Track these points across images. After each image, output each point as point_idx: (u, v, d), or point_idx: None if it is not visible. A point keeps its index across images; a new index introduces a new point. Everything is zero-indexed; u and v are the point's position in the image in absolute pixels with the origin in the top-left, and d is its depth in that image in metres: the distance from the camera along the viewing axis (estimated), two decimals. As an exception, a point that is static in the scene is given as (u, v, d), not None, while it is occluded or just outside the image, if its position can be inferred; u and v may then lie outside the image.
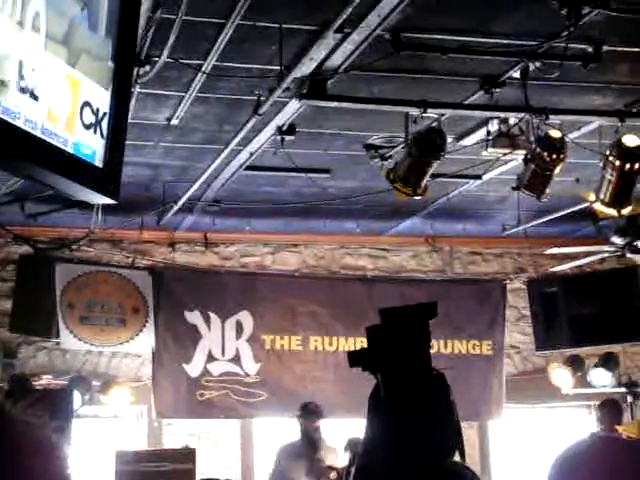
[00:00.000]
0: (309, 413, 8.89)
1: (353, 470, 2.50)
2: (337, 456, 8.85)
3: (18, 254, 9.52)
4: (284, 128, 6.63)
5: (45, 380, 9.48)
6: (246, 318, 9.95)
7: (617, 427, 8.47)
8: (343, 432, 9.33)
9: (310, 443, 8.73)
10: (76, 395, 8.87)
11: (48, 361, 9.80)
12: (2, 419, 0.73)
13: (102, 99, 2.37)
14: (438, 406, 2.58)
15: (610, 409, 8.91)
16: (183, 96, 6.32)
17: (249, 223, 9.83)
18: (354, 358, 2.76)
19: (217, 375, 9.79)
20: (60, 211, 8.59)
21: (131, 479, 8.53)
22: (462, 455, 2.61)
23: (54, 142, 2.15)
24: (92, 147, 2.30)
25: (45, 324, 9.14)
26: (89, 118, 2.30)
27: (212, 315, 9.87)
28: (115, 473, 8.49)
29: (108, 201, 2.38)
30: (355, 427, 9.63)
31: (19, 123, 2.01)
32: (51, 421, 0.79)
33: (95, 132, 2.31)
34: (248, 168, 7.81)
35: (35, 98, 2.06)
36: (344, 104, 6.16)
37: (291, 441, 8.98)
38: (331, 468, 8.54)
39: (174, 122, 6.79)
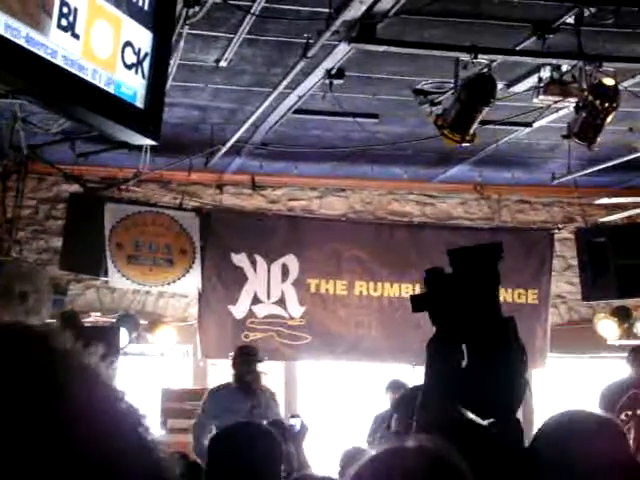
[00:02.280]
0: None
1: (415, 423, 2.39)
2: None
3: (68, 193, 9.62)
4: (333, 72, 6.58)
5: (94, 317, 9.65)
6: (292, 261, 10.00)
7: None
8: (386, 376, 9.40)
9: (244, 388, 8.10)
10: (123, 333, 9.02)
11: (97, 299, 9.95)
12: (54, 354, 0.75)
13: (144, 39, 2.37)
14: (510, 350, 2.49)
15: None
16: (232, 38, 6.29)
17: (296, 167, 9.83)
18: (418, 303, 2.64)
19: (262, 317, 9.88)
20: (110, 151, 8.65)
21: (176, 416, 8.68)
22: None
23: (94, 81, 2.16)
24: (133, 87, 2.30)
25: (94, 262, 9.26)
26: (130, 58, 2.30)
27: (258, 258, 9.92)
28: (160, 410, 8.63)
29: (148, 142, 2.39)
30: (397, 370, 9.70)
31: (58, 61, 2.02)
32: (101, 356, 0.80)
33: (137, 72, 2.31)
34: (296, 112, 7.78)
35: (76, 37, 2.07)
36: (393, 48, 6.10)
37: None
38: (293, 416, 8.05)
39: (223, 64, 6.78)
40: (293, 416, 7.22)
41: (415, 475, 1.65)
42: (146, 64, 2.39)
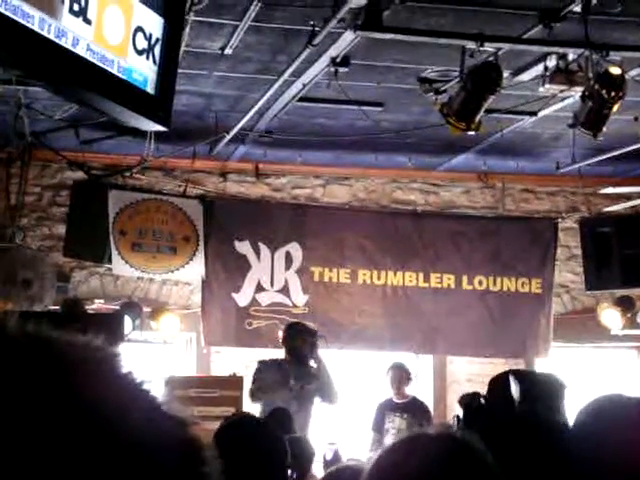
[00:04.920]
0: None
1: None
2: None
3: (72, 180, 9.62)
4: (338, 60, 6.56)
5: (97, 304, 9.65)
6: (295, 249, 9.99)
7: None
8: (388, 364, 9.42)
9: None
10: (127, 320, 9.02)
11: (100, 286, 9.95)
12: (45, 342, 0.74)
13: (155, 25, 2.36)
14: None
15: None
16: (237, 25, 6.27)
17: (301, 155, 9.82)
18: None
19: (265, 305, 9.88)
20: (114, 138, 8.64)
21: (180, 404, 8.68)
22: None
23: (105, 66, 2.15)
24: (144, 73, 2.29)
25: (97, 250, 9.27)
26: (142, 44, 2.29)
27: (262, 246, 9.92)
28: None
29: (159, 128, 2.38)
30: (400, 359, 9.70)
31: (70, 46, 2.01)
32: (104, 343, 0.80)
33: (147, 58, 2.30)
34: (301, 99, 7.77)
35: (88, 22, 2.06)
36: (399, 36, 6.08)
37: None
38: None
39: (228, 51, 6.76)
40: (331, 443, 7.07)
41: (435, 460, 1.65)
42: (157, 50, 2.39)
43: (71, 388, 0.70)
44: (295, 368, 7.81)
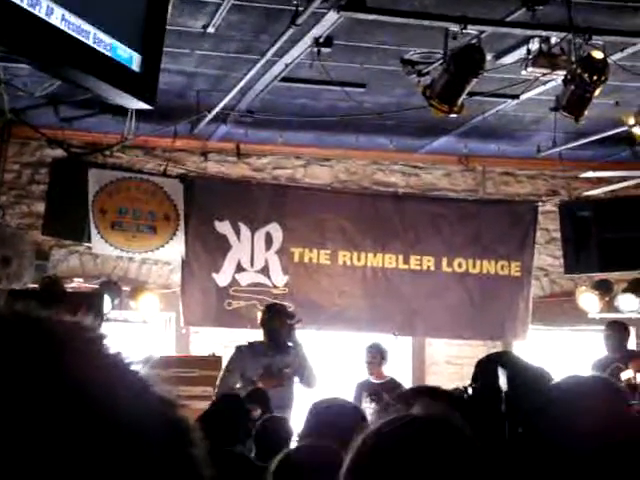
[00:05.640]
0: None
1: None
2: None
3: (52, 157, 9.55)
4: (321, 40, 6.54)
5: (76, 283, 9.61)
6: (276, 230, 9.98)
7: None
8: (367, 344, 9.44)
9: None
10: (106, 299, 9.00)
11: (79, 265, 9.91)
12: (35, 321, 0.74)
13: (140, 1, 2.34)
14: None
15: (616, 331, 9.04)
16: (220, 3, 6.24)
17: (282, 135, 9.79)
18: None
19: (245, 285, 9.87)
20: (94, 116, 8.58)
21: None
22: None
23: (91, 43, 2.13)
24: (129, 50, 2.28)
25: (77, 228, 9.22)
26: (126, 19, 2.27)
27: (242, 226, 9.90)
28: (143, 377, 8.59)
29: (144, 106, 2.36)
30: (378, 340, 9.73)
31: (56, 22, 1.99)
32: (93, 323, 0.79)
33: (132, 35, 2.28)
34: (283, 80, 7.74)
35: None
36: (383, 17, 6.07)
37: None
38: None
39: (210, 30, 6.72)
40: None
41: (423, 443, 1.65)
42: (142, 27, 2.37)
43: (60, 367, 0.70)
44: (273, 350, 7.84)
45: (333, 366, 10.08)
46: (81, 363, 0.71)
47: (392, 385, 9.09)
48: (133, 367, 0.75)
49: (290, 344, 7.96)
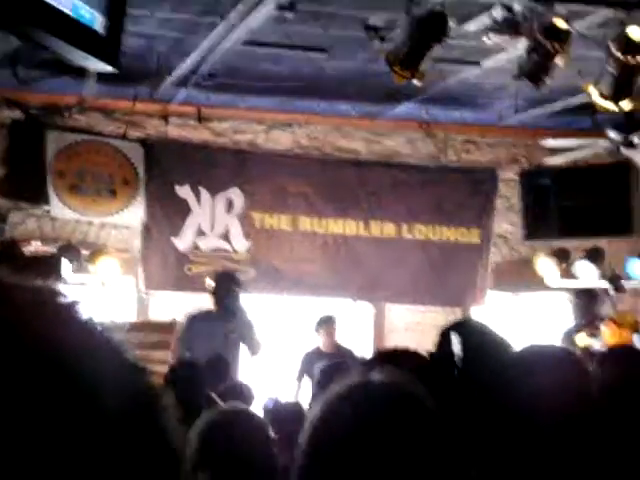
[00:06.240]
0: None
1: None
2: None
3: (10, 119, 9.41)
4: (284, 4, 6.49)
5: (34, 246, 9.51)
6: (237, 195, 9.95)
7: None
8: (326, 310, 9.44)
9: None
10: (64, 262, 8.92)
11: (37, 228, 9.80)
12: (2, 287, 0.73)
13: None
14: None
15: (581, 299, 9.19)
16: (182, -35, 6.15)
17: (243, 100, 9.72)
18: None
19: (206, 250, 9.85)
20: (53, 77, 8.45)
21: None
22: None
23: (52, 2, 2.09)
24: (92, 10, 2.24)
25: (35, 191, 9.13)
26: (89, -19, 2.23)
27: (202, 190, 9.86)
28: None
29: (108, 69, 2.33)
30: (340, 306, 9.77)
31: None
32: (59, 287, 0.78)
33: (95, -4, 2.25)
34: (245, 43, 7.67)
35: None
36: (347, -19, 6.02)
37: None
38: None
39: (171, -9, 6.64)
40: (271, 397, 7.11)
41: (381, 410, 1.66)
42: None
43: (30, 333, 0.68)
44: (222, 317, 8.01)
45: (283, 333, 10.06)
46: (53, 329, 0.70)
47: (340, 350, 8.97)
48: (105, 333, 0.74)
49: (236, 311, 8.09)
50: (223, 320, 8.01)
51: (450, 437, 1.70)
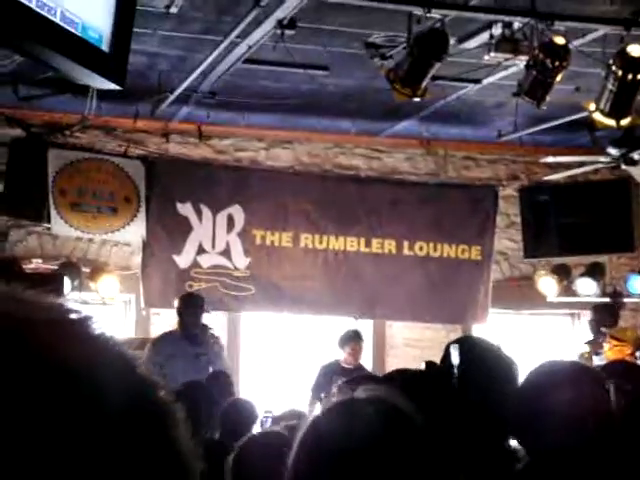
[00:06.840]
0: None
1: None
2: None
3: (10, 137, 9.42)
4: (285, 22, 6.51)
5: (35, 264, 9.52)
6: (238, 212, 9.96)
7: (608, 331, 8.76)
8: (329, 328, 9.45)
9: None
10: (65, 280, 8.93)
11: (38, 245, 9.81)
12: (16, 301, 0.73)
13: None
14: None
15: (595, 314, 9.19)
16: (183, -17, 6.18)
17: (244, 117, 9.74)
18: None
19: (207, 267, 9.85)
20: (54, 95, 8.47)
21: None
22: None
23: (60, 22, 2.11)
24: (99, 30, 2.26)
25: (36, 209, 9.13)
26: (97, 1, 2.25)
27: (203, 208, 9.87)
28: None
29: (113, 86, 2.34)
30: (341, 324, 9.76)
31: (26, 0, 1.96)
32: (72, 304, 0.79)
33: (103, 16, 2.26)
34: (246, 61, 7.70)
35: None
36: (347, 0, 6.05)
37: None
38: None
39: (173, 10, 6.66)
40: (267, 411, 7.10)
41: (368, 426, 1.66)
42: (112, 7, 2.35)
43: (44, 348, 0.69)
44: (188, 338, 8.17)
45: (294, 348, 10.08)
46: (67, 344, 0.71)
47: (361, 371, 8.87)
48: (120, 348, 0.75)
49: (206, 335, 8.30)
50: (189, 340, 8.17)
51: (438, 452, 1.70)
